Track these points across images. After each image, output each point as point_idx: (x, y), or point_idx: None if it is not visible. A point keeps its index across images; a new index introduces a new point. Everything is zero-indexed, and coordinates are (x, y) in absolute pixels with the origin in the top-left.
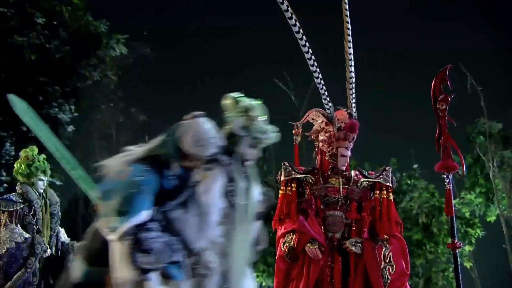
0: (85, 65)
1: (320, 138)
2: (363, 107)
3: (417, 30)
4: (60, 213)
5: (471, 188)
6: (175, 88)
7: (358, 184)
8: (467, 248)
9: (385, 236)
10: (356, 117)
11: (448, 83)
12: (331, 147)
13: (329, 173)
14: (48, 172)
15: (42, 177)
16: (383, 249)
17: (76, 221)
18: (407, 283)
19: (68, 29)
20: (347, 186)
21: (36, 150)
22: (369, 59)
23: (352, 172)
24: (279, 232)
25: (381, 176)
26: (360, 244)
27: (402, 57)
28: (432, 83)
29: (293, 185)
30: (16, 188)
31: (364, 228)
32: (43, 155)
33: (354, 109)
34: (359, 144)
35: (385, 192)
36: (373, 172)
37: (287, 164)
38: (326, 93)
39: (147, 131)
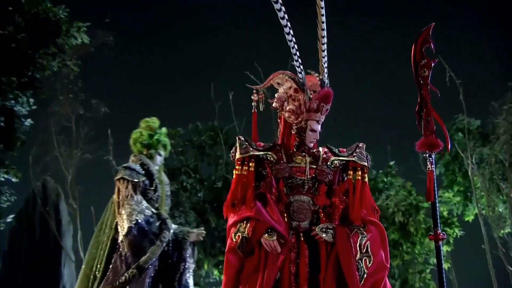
0: (43, 54)
1: (287, 107)
2: (337, 101)
3: (394, 25)
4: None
5: (449, 187)
6: (139, 79)
7: (328, 164)
8: (445, 248)
9: (361, 222)
10: (328, 85)
11: (432, 45)
12: (299, 119)
13: (294, 150)
14: (168, 148)
15: (162, 152)
16: (359, 237)
17: (33, 220)
18: (386, 278)
19: (25, 15)
20: (315, 166)
21: (157, 122)
22: (343, 51)
23: (321, 149)
24: (231, 220)
25: (354, 154)
26: (332, 231)
27: (378, 49)
28: (413, 46)
29: (250, 164)
30: (131, 159)
31: (335, 215)
32: (164, 129)
33: (326, 75)
34: (333, 141)
35: (359, 173)
36: (344, 150)
37: (243, 139)
38: (298, 53)
39: (109, 124)
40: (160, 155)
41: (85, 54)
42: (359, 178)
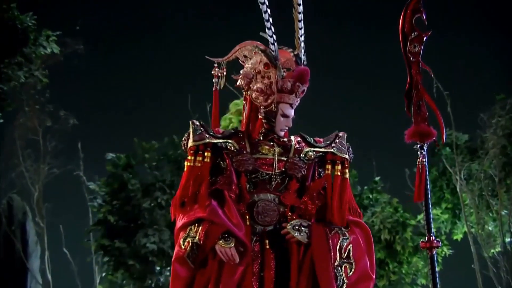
0: (8, 64)
1: (255, 86)
2: (321, 114)
3: (379, 38)
4: None
5: (437, 204)
6: (111, 89)
7: (301, 156)
8: None
9: (342, 223)
10: (305, 62)
11: (423, 16)
12: (269, 101)
13: (261, 138)
14: None
15: None
16: (340, 239)
17: None
18: None
19: None
20: (285, 158)
21: None
22: (328, 64)
23: (293, 139)
24: (179, 223)
25: (333, 145)
26: (306, 229)
27: (366, 60)
28: (401, 16)
29: (206, 154)
30: None
31: (307, 218)
32: None
33: (302, 51)
34: None
35: (339, 167)
36: (321, 140)
37: (197, 123)
38: (271, 19)
39: (79, 136)
40: None
41: (53, 63)
42: (339, 173)
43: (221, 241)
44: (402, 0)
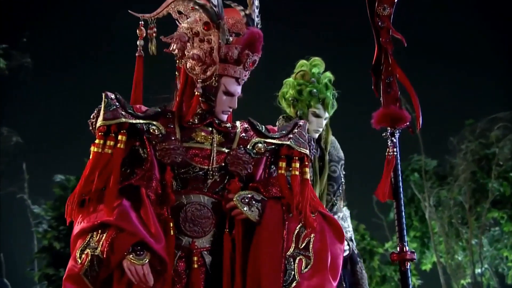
0: None
1: (190, 52)
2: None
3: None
4: (343, 181)
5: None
6: (60, 106)
7: (248, 148)
8: None
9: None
10: (259, 25)
11: None
12: (208, 73)
13: (195, 122)
14: (333, 106)
15: (318, 111)
16: (299, 226)
17: None
18: None
19: None
20: (226, 149)
21: (321, 65)
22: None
23: (238, 125)
24: (77, 228)
25: (290, 136)
26: (259, 205)
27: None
28: None
29: (119, 137)
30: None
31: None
32: (330, 75)
33: (256, 10)
34: None
35: (297, 165)
36: (275, 128)
37: (112, 96)
38: None
39: (23, 156)
40: (317, 115)
41: None
42: (297, 172)
43: (131, 256)
44: None
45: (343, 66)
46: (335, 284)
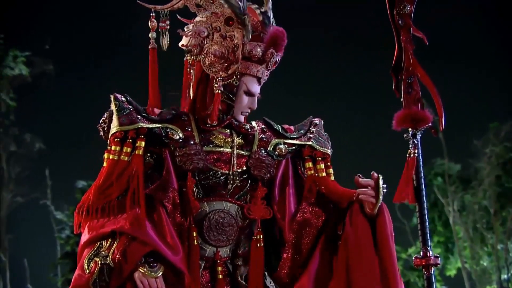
0: None
1: (211, 48)
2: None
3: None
4: None
5: None
6: (81, 112)
7: (269, 150)
8: None
9: None
10: (274, 23)
11: None
12: (230, 71)
13: (213, 124)
14: None
15: None
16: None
17: None
18: None
19: None
20: (246, 153)
21: None
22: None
23: (255, 125)
24: (85, 237)
25: (310, 136)
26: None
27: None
28: None
29: (138, 143)
30: None
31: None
32: None
33: (270, 8)
34: None
35: (322, 166)
36: (292, 128)
37: (123, 99)
38: None
39: (46, 162)
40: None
41: (20, 84)
42: (323, 174)
43: (143, 268)
44: None
45: (362, 67)
46: None
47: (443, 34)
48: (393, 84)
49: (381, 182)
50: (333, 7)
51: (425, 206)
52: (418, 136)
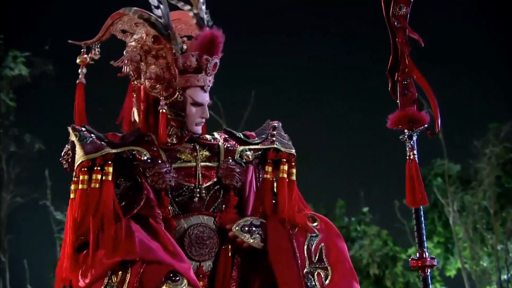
0: None
1: (147, 71)
2: (305, 139)
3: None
4: None
5: (428, 237)
6: None
7: (237, 158)
8: None
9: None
10: (210, 23)
11: None
12: (171, 89)
13: (174, 141)
14: None
15: None
16: (307, 237)
17: None
18: None
19: None
20: (214, 164)
21: None
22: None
23: (217, 136)
24: (85, 281)
25: (274, 139)
26: (259, 230)
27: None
28: None
29: (106, 169)
30: None
31: None
32: None
33: (203, 7)
34: (299, 183)
35: (285, 167)
36: (253, 133)
37: (83, 129)
38: None
39: (46, 162)
40: None
41: (20, 85)
42: (284, 175)
43: (168, 286)
44: None
45: (359, 68)
46: (358, 285)
47: (442, 34)
48: (389, 86)
49: (239, 235)
50: (329, 8)
51: (421, 207)
52: (414, 138)
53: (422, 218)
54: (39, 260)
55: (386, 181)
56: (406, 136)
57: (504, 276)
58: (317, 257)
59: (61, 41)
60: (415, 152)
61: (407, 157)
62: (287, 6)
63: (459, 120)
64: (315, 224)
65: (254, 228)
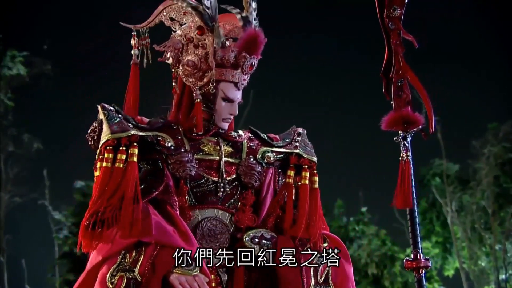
0: None
1: (185, 58)
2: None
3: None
4: None
5: (426, 237)
6: (80, 112)
7: (258, 158)
8: None
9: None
10: (257, 26)
11: None
12: (205, 79)
13: (200, 133)
14: None
15: None
16: (315, 257)
17: None
18: None
19: None
20: (236, 161)
21: None
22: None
23: (242, 133)
24: (97, 255)
25: (297, 144)
26: (269, 243)
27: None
28: None
29: (131, 150)
30: None
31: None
32: None
33: (254, 13)
34: None
35: (307, 174)
36: (277, 136)
37: (111, 108)
38: None
39: (44, 162)
40: None
41: (18, 85)
42: (307, 182)
43: (179, 269)
44: None
45: (356, 70)
46: None
47: (442, 34)
48: (383, 87)
49: (248, 246)
50: (327, 10)
51: (415, 209)
52: (409, 139)
53: (417, 219)
54: (37, 260)
55: (385, 181)
56: (400, 137)
57: (502, 276)
58: (322, 279)
59: (59, 41)
60: (409, 153)
61: (400, 158)
62: (285, 7)
63: (457, 120)
64: (325, 245)
65: (264, 241)
